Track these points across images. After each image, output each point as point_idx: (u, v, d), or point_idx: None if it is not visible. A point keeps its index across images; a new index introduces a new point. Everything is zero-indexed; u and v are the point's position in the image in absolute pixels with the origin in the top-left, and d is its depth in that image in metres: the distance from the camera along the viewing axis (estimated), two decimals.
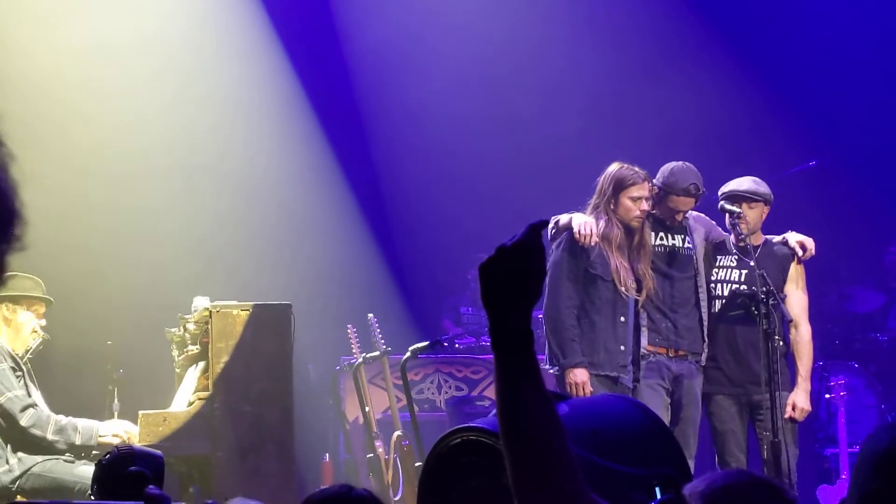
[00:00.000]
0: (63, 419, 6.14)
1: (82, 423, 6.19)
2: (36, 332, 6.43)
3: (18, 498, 6.05)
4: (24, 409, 6.05)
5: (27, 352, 6.40)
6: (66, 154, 8.52)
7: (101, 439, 6.11)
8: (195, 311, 6.39)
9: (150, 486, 2.51)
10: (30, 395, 6.20)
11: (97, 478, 3.82)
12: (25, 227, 1.74)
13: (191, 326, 6.41)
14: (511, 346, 2.04)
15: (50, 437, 6.05)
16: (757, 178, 6.62)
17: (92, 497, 3.85)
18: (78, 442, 6.08)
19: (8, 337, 6.33)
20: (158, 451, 3.99)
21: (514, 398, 2.03)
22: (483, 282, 2.06)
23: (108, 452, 3.85)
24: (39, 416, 6.07)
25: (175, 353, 6.72)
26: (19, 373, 6.21)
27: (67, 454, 6.13)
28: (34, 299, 6.40)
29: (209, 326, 6.13)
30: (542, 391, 2.03)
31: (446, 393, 8.79)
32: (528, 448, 2.01)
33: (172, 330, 6.71)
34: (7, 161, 1.71)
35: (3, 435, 6.09)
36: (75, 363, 7.83)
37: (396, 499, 7.44)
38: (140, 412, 6.05)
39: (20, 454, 6.09)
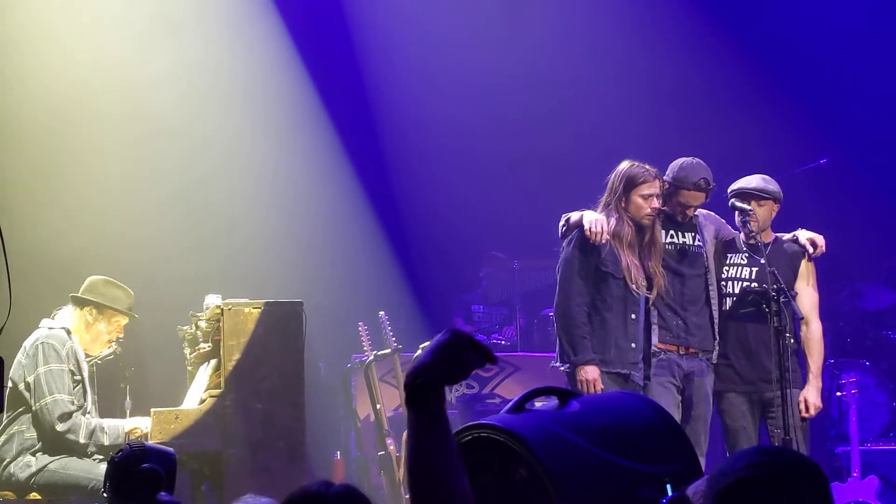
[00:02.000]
0: (92, 422, 6.25)
1: (108, 423, 6.32)
2: (111, 342, 6.55)
3: (33, 495, 6.11)
4: (63, 415, 6.15)
5: (95, 358, 6.55)
6: (77, 153, 8.53)
7: (127, 429, 6.24)
8: (207, 308, 6.41)
9: (162, 493, 2.52)
10: (84, 400, 6.30)
11: (109, 474, 3.85)
12: None
13: (202, 324, 6.43)
14: (424, 407, 2.31)
15: (83, 440, 6.17)
16: (766, 176, 6.60)
17: (105, 494, 3.87)
18: (107, 442, 6.20)
19: (84, 340, 6.45)
20: (170, 449, 4.02)
21: (419, 447, 2.31)
22: (426, 353, 2.34)
23: (121, 450, 3.87)
24: (75, 421, 6.17)
25: (187, 350, 6.74)
26: (78, 377, 6.31)
27: (97, 455, 6.21)
28: (118, 311, 6.50)
29: (221, 324, 6.14)
30: (447, 443, 2.31)
31: (457, 390, 8.79)
32: (427, 488, 2.30)
33: (184, 328, 6.73)
34: None
35: (40, 433, 6.18)
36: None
37: (407, 497, 7.44)
38: (152, 410, 6.07)
39: (38, 454, 6.15)
